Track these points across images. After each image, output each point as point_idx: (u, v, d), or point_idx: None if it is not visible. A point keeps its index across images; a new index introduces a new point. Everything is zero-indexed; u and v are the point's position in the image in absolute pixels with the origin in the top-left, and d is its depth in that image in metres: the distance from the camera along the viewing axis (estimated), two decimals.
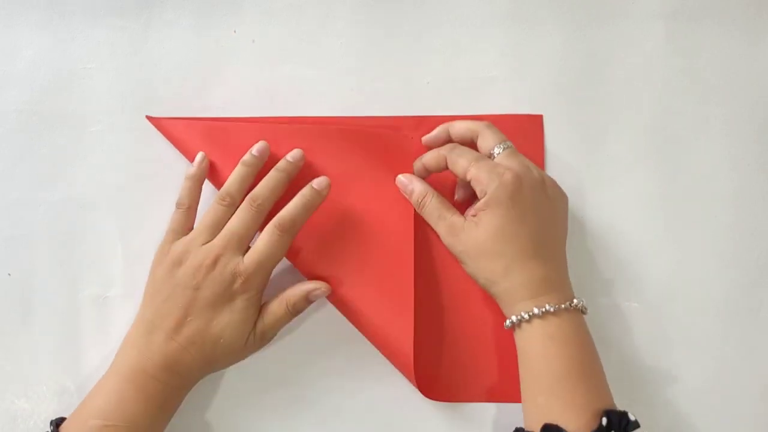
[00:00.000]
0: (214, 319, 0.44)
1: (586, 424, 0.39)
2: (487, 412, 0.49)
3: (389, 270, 0.47)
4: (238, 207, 0.46)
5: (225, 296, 0.44)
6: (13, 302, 0.51)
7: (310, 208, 0.46)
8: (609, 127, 0.53)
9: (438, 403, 0.49)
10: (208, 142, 0.49)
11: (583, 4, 0.54)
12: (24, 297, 0.51)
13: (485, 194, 0.44)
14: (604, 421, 0.39)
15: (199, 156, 0.48)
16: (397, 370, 0.48)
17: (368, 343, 0.48)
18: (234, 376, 0.50)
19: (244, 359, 0.47)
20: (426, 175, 0.49)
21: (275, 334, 0.47)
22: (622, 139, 0.53)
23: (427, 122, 0.51)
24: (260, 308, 0.46)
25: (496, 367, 0.49)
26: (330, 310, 0.50)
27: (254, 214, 0.45)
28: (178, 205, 0.47)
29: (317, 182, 0.46)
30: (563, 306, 0.43)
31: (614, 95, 0.53)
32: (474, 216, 0.45)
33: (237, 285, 0.44)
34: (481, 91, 0.53)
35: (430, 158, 0.48)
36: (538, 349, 0.43)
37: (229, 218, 0.46)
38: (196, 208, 0.48)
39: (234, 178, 0.46)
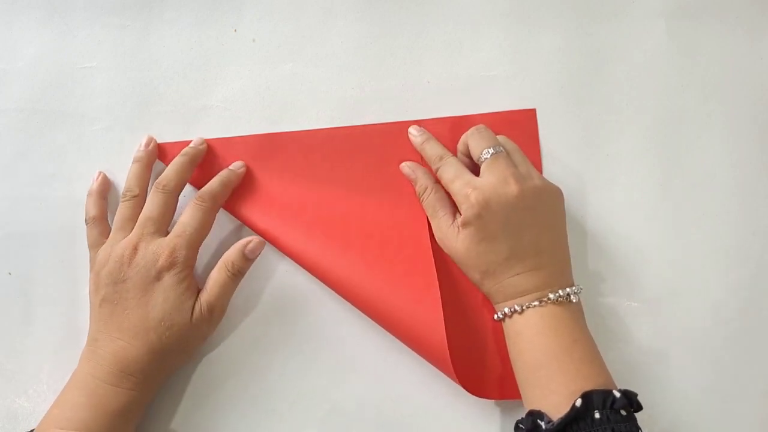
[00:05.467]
0: (149, 303, 0.45)
1: (564, 409, 0.39)
2: (488, 406, 0.49)
3: (412, 269, 0.48)
4: (143, 200, 0.48)
5: (152, 277, 0.45)
6: (13, 301, 0.51)
7: (228, 185, 0.49)
8: (610, 126, 0.53)
9: (435, 402, 0.48)
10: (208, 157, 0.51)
11: (584, 3, 0.54)
12: (24, 296, 0.51)
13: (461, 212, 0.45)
14: (578, 402, 0.39)
15: (95, 173, 0.51)
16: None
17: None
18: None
19: (198, 344, 0.48)
20: None
21: (225, 307, 0.47)
22: (623, 138, 0.52)
23: (427, 125, 0.51)
24: (204, 283, 0.47)
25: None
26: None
27: (163, 197, 0.47)
28: (87, 221, 0.49)
29: (234, 165, 0.50)
30: (534, 304, 0.43)
31: (615, 94, 0.53)
32: (458, 225, 0.46)
33: (161, 262, 0.45)
34: (481, 90, 0.53)
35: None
36: (510, 346, 0.45)
37: (139, 213, 0.47)
38: (105, 218, 0.49)
39: (131, 176, 0.49)
